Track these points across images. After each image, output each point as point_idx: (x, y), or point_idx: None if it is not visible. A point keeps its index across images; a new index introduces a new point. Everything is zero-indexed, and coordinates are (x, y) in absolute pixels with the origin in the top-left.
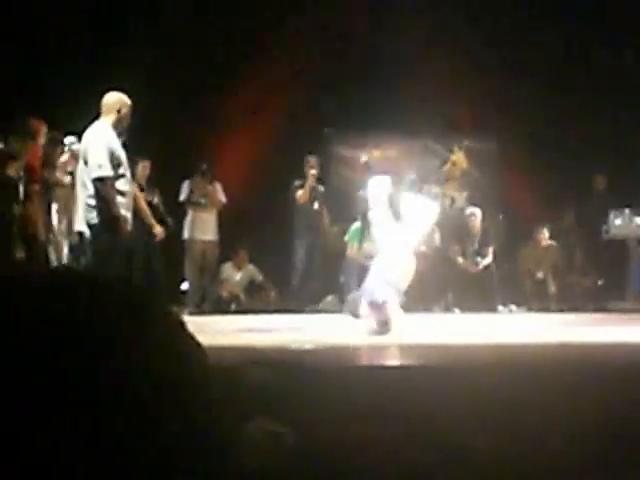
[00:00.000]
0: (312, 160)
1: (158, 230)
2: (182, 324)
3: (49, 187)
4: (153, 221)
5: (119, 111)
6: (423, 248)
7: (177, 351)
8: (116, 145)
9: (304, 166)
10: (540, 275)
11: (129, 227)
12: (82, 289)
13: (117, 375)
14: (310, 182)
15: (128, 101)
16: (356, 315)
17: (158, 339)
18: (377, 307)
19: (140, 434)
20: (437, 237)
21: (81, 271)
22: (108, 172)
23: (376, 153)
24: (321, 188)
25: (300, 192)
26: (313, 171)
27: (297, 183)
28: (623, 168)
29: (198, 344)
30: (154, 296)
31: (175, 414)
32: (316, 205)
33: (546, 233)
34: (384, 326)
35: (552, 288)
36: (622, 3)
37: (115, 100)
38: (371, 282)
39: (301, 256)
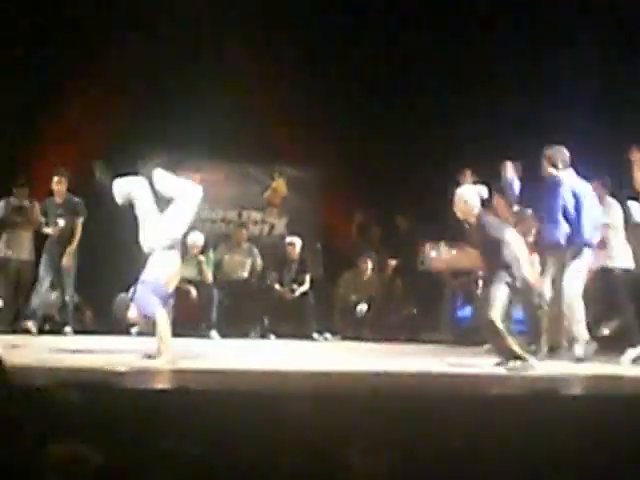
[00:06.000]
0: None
1: None
2: None
3: None
4: None
5: None
6: (245, 274)
7: None
8: None
9: None
10: (355, 300)
11: None
12: None
13: None
14: None
15: None
16: (122, 317)
17: None
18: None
19: None
20: (259, 263)
21: None
22: None
23: (196, 177)
24: None
25: None
26: None
27: None
28: (430, 203)
29: None
30: None
31: None
32: None
33: (369, 263)
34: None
35: (367, 317)
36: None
37: None
38: (142, 291)
39: None
